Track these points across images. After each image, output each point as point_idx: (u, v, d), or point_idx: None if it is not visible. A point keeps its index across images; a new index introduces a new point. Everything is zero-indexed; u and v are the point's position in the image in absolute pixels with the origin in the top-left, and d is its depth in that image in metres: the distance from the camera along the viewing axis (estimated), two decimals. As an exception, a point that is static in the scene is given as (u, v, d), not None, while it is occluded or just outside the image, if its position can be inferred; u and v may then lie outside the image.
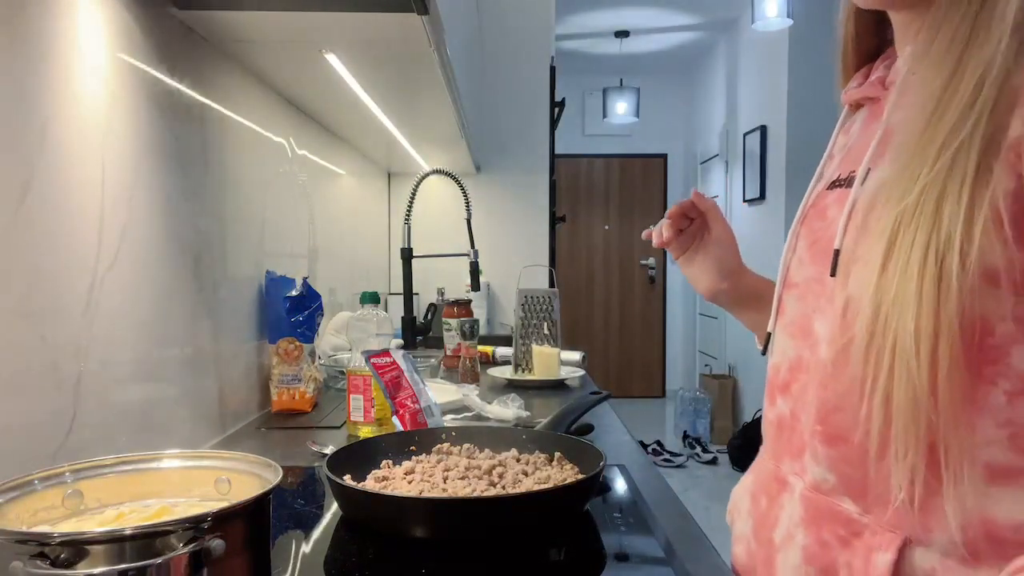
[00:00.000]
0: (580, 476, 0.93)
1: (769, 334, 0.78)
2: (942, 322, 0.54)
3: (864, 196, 0.64)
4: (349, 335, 1.38)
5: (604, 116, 5.72)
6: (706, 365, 5.91)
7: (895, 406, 0.56)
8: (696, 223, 0.89)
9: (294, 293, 1.52)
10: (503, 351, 2.21)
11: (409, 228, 2.41)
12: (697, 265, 0.90)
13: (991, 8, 0.57)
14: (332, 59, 1.36)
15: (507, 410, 1.41)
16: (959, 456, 0.55)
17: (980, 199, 0.53)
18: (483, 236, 2.61)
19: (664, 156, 6.67)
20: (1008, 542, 0.56)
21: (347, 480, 0.87)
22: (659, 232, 0.88)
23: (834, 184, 0.73)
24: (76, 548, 0.50)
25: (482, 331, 2.52)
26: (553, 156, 3.08)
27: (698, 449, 4.89)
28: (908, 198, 0.57)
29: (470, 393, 1.49)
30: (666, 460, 4.73)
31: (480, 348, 2.07)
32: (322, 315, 1.60)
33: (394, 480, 0.92)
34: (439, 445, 1.04)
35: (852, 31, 0.76)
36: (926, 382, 0.54)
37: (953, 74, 0.57)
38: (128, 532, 0.52)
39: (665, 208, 6.65)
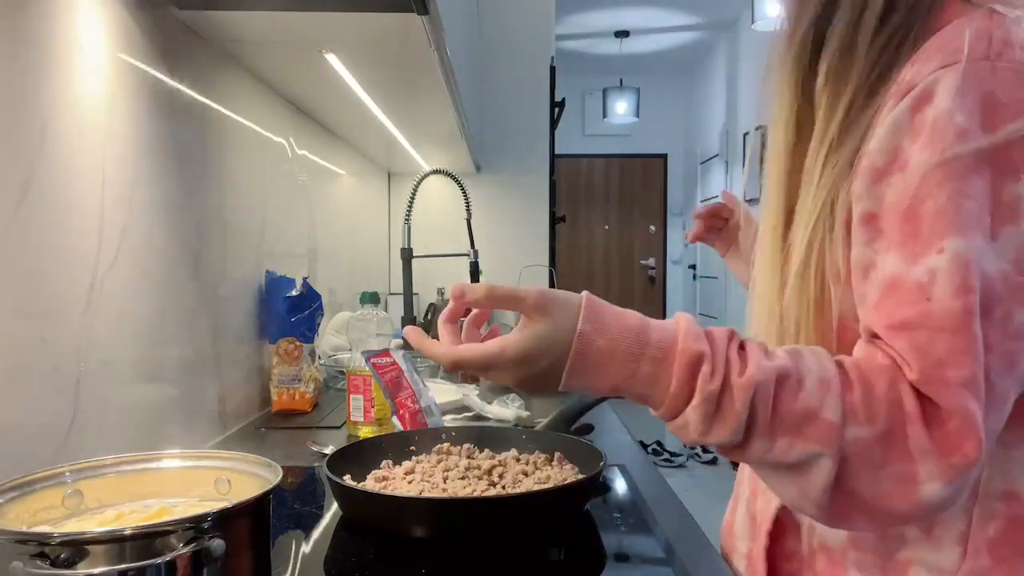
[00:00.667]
0: (580, 476, 0.93)
1: None
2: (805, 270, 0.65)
3: None
4: (349, 335, 1.38)
5: (604, 116, 5.72)
6: (706, 365, 5.90)
7: None
8: (732, 220, 0.99)
9: (294, 293, 1.52)
10: (503, 351, 2.21)
11: (409, 228, 2.40)
12: (737, 259, 0.99)
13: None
14: (332, 59, 1.36)
15: (507, 410, 1.41)
16: None
17: (826, 212, 0.64)
18: (483, 236, 2.61)
19: (664, 156, 6.67)
20: None
21: (347, 480, 0.87)
22: (691, 230, 0.99)
23: None
24: (76, 548, 0.50)
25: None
26: (553, 156, 3.08)
27: (698, 449, 4.89)
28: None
29: (470, 393, 1.49)
30: (666, 460, 4.73)
31: (480, 348, 2.07)
32: (322, 315, 1.60)
33: (394, 480, 0.92)
34: (439, 445, 1.04)
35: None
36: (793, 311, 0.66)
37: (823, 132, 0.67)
38: (128, 532, 0.52)
39: (665, 208, 6.67)
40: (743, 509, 0.78)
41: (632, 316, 0.59)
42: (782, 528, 0.71)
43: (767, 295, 0.71)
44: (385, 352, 1.21)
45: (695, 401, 0.55)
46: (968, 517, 0.62)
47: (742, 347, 0.57)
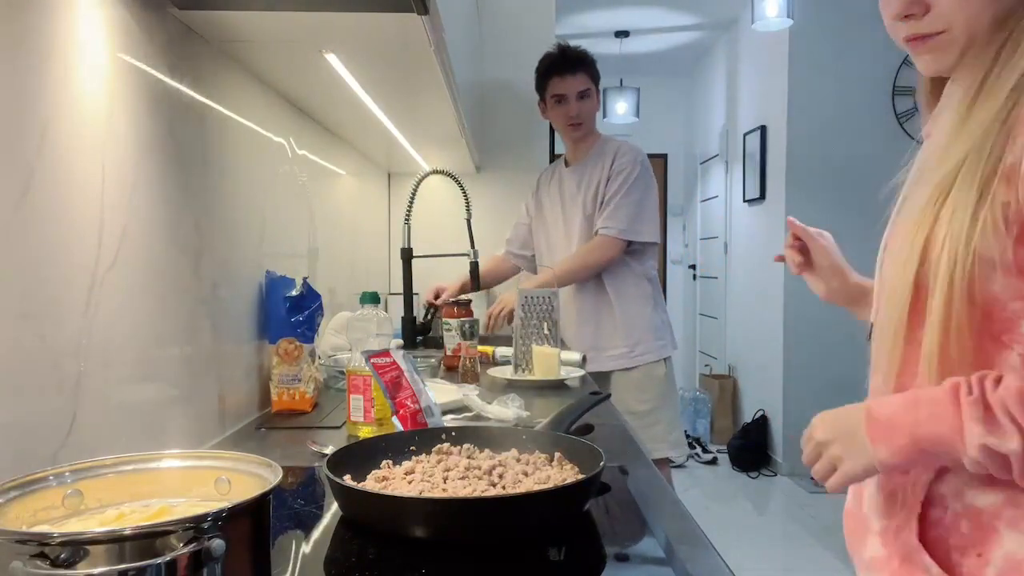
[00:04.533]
0: (580, 476, 0.93)
1: (872, 324, 0.89)
2: (954, 295, 0.72)
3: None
4: (349, 335, 1.38)
5: (604, 116, 5.71)
6: (706, 365, 5.91)
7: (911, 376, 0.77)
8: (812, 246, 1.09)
9: (294, 293, 1.52)
10: (503, 351, 2.21)
11: (409, 228, 2.40)
12: (810, 274, 1.09)
13: (996, 74, 0.75)
14: (332, 59, 1.36)
15: (507, 410, 1.41)
16: None
17: (981, 206, 0.72)
18: (483, 236, 2.61)
19: (664, 156, 6.67)
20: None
21: (347, 480, 0.87)
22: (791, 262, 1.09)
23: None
24: (76, 548, 0.50)
25: (482, 331, 2.52)
26: (553, 156, 3.08)
27: (698, 449, 4.89)
28: (923, 203, 0.77)
29: (470, 393, 1.49)
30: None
31: (480, 348, 2.07)
32: (322, 315, 1.60)
33: (394, 480, 0.92)
34: (439, 445, 1.04)
35: (927, 80, 0.90)
36: (937, 343, 0.73)
37: (963, 121, 0.77)
38: (128, 532, 0.52)
39: (665, 208, 6.66)
40: (873, 490, 0.83)
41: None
42: (930, 499, 0.78)
43: (904, 268, 0.78)
44: (385, 352, 1.21)
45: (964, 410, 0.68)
46: None
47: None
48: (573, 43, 2.47)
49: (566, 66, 2.39)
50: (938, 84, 0.88)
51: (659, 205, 2.50)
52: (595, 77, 2.47)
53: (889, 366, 0.79)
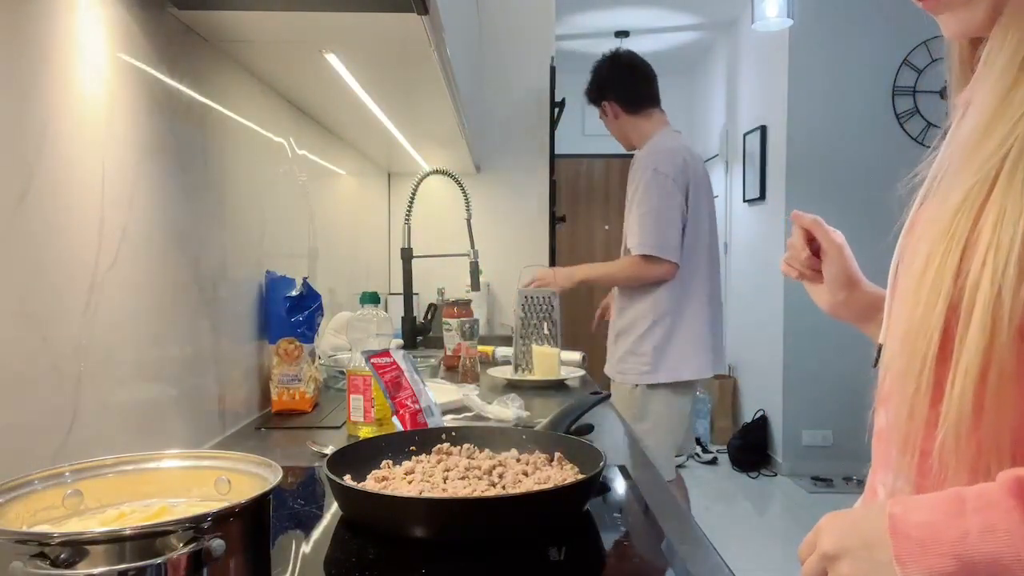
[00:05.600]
0: (580, 476, 0.93)
1: (880, 346, 0.74)
2: (997, 330, 0.54)
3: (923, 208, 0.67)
4: (349, 335, 1.38)
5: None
6: (706, 365, 5.90)
7: (941, 417, 0.57)
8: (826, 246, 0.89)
9: (294, 293, 1.52)
10: (503, 351, 2.21)
11: (409, 228, 2.41)
12: (813, 282, 0.91)
13: None
14: (332, 59, 1.36)
15: (507, 410, 1.41)
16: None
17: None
18: (483, 236, 2.61)
19: (664, 156, 6.66)
20: None
21: (347, 480, 0.87)
22: (794, 263, 0.91)
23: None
24: (76, 548, 0.50)
25: (482, 331, 2.52)
26: (553, 156, 3.08)
27: (698, 449, 4.89)
28: (950, 205, 0.59)
29: (470, 393, 1.49)
30: (666, 460, 4.73)
31: (480, 348, 2.07)
32: (322, 315, 1.60)
33: (394, 480, 0.92)
34: (439, 445, 1.04)
35: (958, 46, 0.75)
36: (971, 394, 0.55)
37: (1009, 93, 0.59)
38: (128, 532, 0.52)
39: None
40: None
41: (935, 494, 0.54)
42: None
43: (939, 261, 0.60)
44: (385, 352, 1.21)
45: None
46: None
47: None
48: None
49: (589, 97, 2.52)
50: (974, 49, 0.70)
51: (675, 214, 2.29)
52: (597, 97, 2.51)
53: (911, 423, 0.60)
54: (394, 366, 1.20)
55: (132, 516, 0.63)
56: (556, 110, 3.07)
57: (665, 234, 2.26)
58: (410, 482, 0.91)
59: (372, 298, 1.35)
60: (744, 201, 4.96)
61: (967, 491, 0.52)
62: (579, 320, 7.13)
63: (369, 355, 1.20)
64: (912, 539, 0.52)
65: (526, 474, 0.94)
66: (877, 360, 0.74)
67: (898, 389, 0.62)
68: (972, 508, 0.50)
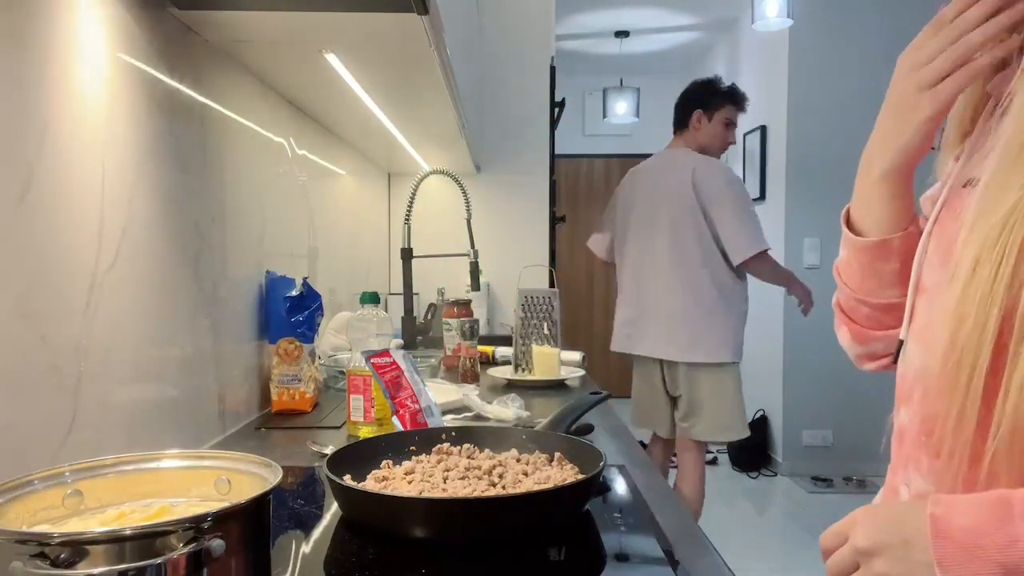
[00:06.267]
0: (580, 476, 0.93)
1: (901, 342, 0.72)
2: None
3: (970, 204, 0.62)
4: (349, 335, 1.38)
5: (604, 116, 5.72)
6: (706, 365, 5.90)
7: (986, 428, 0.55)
8: None
9: (294, 293, 1.52)
10: (503, 351, 2.21)
11: (409, 228, 2.41)
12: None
13: None
14: (332, 59, 1.36)
15: (507, 410, 1.41)
16: None
17: None
18: (483, 236, 2.61)
19: (664, 156, 6.66)
20: None
21: (347, 480, 0.87)
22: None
23: (968, 183, 0.68)
24: (76, 548, 0.50)
25: (482, 331, 2.52)
26: (553, 156, 3.08)
27: (698, 449, 4.88)
28: (1001, 208, 0.56)
29: (470, 393, 1.49)
30: (666, 460, 4.73)
31: (480, 348, 2.07)
32: (322, 315, 1.60)
33: (394, 480, 0.92)
34: (439, 445, 1.04)
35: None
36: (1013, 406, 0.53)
37: None
38: (128, 532, 0.52)
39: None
40: None
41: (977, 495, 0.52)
42: None
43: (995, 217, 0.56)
44: (385, 352, 1.21)
45: None
46: None
47: None
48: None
49: (743, 106, 3.13)
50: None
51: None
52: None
53: (959, 435, 0.57)
54: (394, 366, 1.20)
55: (132, 516, 0.63)
56: (556, 110, 3.08)
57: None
58: (410, 482, 0.91)
59: (372, 298, 1.35)
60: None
61: (1013, 495, 0.50)
62: (579, 320, 7.11)
63: (369, 355, 1.20)
64: (955, 543, 0.50)
65: (526, 474, 0.94)
66: (897, 356, 0.72)
67: (944, 398, 0.59)
68: (1020, 513, 0.48)
